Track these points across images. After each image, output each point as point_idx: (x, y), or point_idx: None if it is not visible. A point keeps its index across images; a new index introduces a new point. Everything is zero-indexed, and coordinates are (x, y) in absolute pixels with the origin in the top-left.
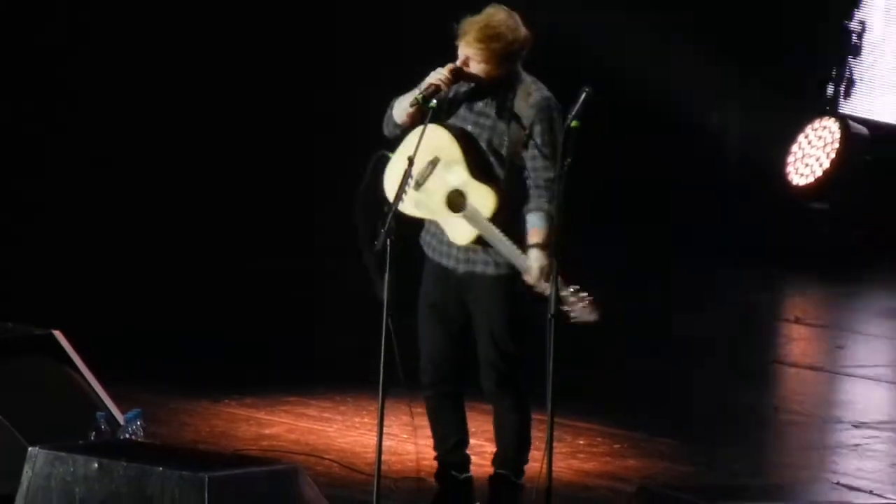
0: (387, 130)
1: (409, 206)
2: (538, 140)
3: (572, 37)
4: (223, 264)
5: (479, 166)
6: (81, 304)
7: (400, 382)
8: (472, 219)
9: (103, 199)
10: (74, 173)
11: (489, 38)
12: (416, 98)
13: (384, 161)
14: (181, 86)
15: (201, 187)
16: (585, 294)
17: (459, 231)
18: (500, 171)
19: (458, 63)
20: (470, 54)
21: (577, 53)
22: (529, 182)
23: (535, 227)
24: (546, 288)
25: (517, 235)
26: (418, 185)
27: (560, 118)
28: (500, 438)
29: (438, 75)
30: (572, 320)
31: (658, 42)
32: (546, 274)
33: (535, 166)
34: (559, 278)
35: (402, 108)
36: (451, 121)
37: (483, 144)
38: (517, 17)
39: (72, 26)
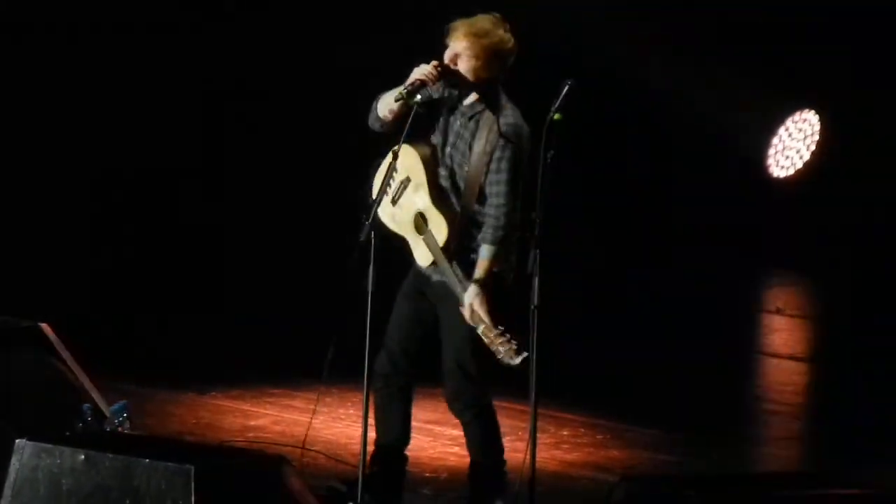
0: (370, 121)
1: (386, 218)
2: (494, 166)
3: (553, 30)
4: (209, 256)
5: (440, 193)
6: (68, 297)
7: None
8: (429, 244)
9: (90, 193)
10: (61, 165)
11: (481, 32)
12: (400, 93)
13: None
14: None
15: (189, 176)
16: (509, 338)
17: (421, 253)
18: (465, 196)
19: (446, 60)
20: (460, 49)
21: (557, 46)
22: (486, 209)
23: (480, 259)
24: (478, 326)
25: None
26: (394, 202)
27: (527, 145)
28: (468, 447)
29: (423, 71)
30: (498, 360)
31: (638, 33)
32: (478, 316)
33: (490, 192)
34: (488, 318)
35: (386, 103)
36: (433, 137)
37: (455, 167)
38: (507, 26)
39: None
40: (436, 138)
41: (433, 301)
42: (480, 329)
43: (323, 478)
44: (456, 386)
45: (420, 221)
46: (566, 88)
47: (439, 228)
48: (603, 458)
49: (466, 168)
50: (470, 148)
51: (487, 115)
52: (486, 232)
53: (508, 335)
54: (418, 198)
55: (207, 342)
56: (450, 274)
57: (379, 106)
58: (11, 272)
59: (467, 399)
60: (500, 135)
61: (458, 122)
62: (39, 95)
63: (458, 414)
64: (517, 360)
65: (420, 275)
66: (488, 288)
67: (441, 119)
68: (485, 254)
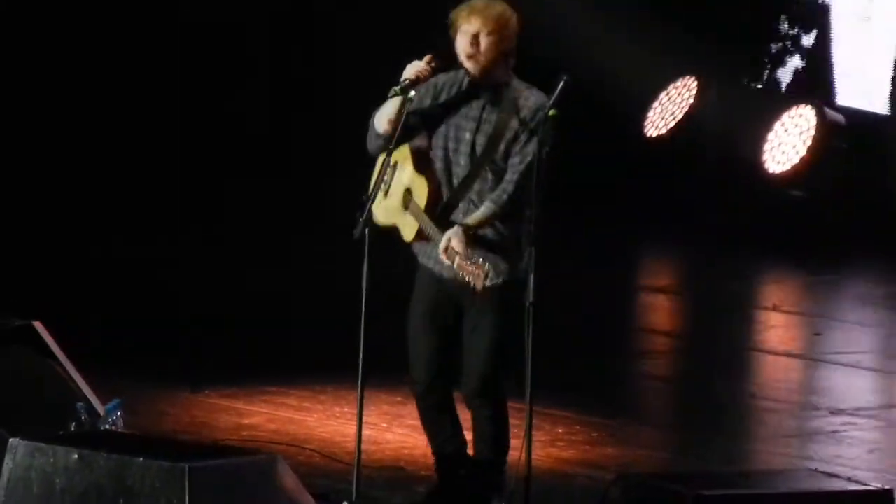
0: (370, 146)
1: (380, 214)
2: (518, 148)
3: (543, 27)
4: (202, 254)
5: (425, 163)
6: (61, 295)
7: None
8: (414, 213)
9: (82, 190)
10: (56, 163)
11: (486, 8)
12: (394, 90)
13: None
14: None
15: (183, 176)
16: (482, 263)
17: (406, 228)
18: (487, 175)
19: (467, 49)
20: (476, 29)
21: (545, 43)
22: (505, 175)
23: (477, 211)
24: (452, 260)
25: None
26: (386, 193)
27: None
28: (476, 443)
29: (416, 68)
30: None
31: (628, 29)
32: (453, 250)
33: (512, 163)
34: (462, 250)
35: (383, 115)
36: (445, 127)
37: (478, 147)
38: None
39: None
40: (446, 128)
41: (454, 299)
42: (455, 262)
43: (317, 476)
44: (481, 383)
45: (406, 196)
46: (561, 84)
47: (421, 192)
48: (598, 455)
49: (488, 144)
50: (495, 128)
51: (509, 92)
52: (495, 193)
53: (481, 261)
54: (404, 174)
55: (201, 340)
56: (429, 229)
57: (375, 123)
58: (4, 270)
59: (490, 397)
60: (536, 108)
61: (475, 106)
62: (32, 88)
63: (477, 408)
64: (490, 283)
65: (433, 279)
66: (471, 236)
67: (450, 111)
68: (484, 209)
